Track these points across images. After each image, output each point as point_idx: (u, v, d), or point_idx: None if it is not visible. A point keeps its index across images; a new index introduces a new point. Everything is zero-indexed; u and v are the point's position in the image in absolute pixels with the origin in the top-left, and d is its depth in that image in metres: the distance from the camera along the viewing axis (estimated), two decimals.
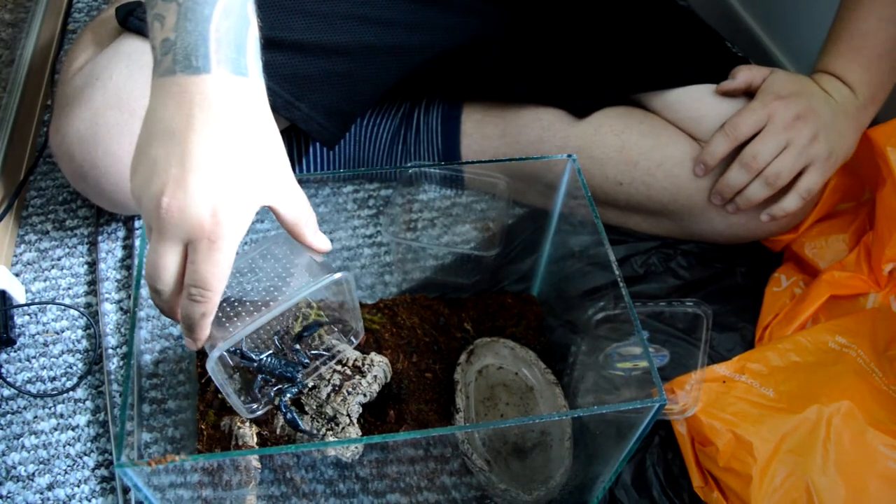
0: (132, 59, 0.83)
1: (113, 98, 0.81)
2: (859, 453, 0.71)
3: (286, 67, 0.84)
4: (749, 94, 0.88)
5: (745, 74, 0.87)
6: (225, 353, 0.69)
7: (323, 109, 0.87)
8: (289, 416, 0.70)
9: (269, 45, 0.83)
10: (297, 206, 0.59)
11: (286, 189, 0.58)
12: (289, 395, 0.71)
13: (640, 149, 0.90)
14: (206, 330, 0.58)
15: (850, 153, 0.86)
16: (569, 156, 0.74)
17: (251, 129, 0.55)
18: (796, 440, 0.72)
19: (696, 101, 0.89)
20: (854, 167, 0.90)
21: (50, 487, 0.76)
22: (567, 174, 0.75)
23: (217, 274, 0.54)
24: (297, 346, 0.74)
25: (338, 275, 0.64)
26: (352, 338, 0.77)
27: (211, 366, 0.63)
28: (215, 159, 0.53)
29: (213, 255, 0.53)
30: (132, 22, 0.84)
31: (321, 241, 0.62)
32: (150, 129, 0.54)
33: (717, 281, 0.94)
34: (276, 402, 0.71)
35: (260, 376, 0.74)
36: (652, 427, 0.62)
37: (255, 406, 0.71)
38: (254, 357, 0.74)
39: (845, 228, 0.90)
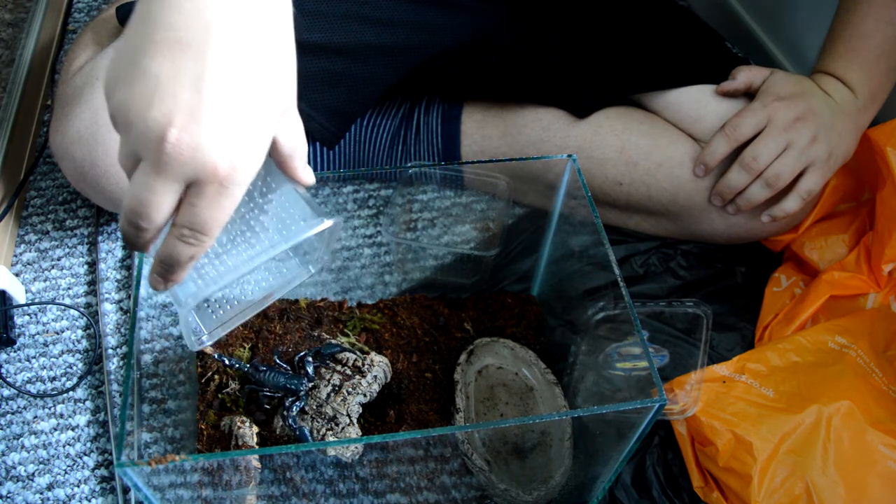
0: None
1: None
2: (859, 453, 0.71)
3: None
4: (749, 94, 0.88)
5: (745, 75, 0.87)
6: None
7: (323, 109, 0.87)
8: (298, 432, 0.70)
9: None
10: (297, 135, 0.52)
11: (293, 115, 0.51)
12: (295, 409, 0.71)
13: (640, 149, 0.90)
14: (185, 273, 0.51)
15: (850, 154, 0.86)
16: (569, 156, 0.74)
17: (276, 44, 0.47)
18: (796, 440, 0.72)
19: (696, 102, 0.89)
20: (854, 167, 0.90)
21: (50, 487, 0.76)
22: (567, 174, 0.75)
23: (220, 219, 0.47)
24: (310, 359, 0.74)
25: (329, 222, 0.56)
26: (309, 266, 0.66)
27: (185, 311, 0.55)
28: (238, 85, 0.44)
29: (221, 200, 0.46)
30: None
31: (308, 174, 0.55)
32: (147, 34, 0.43)
33: (717, 281, 0.94)
34: (285, 415, 0.71)
35: (264, 390, 0.74)
36: (652, 427, 0.62)
37: (203, 338, 0.64)
38: (258, 369, 0.74)
39: (845, 228, 0.90)
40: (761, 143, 0.83)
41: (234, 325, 0.63)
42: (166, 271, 0.49)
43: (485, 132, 0.97)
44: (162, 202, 0.45)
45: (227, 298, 0.64)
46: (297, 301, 0.87)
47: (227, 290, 0.63)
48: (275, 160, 0.53)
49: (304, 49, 0.91)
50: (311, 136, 0.88)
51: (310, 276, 0.66)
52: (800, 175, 0.83)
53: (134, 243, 0.49)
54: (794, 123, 0.82)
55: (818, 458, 0.71)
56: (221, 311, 0.64)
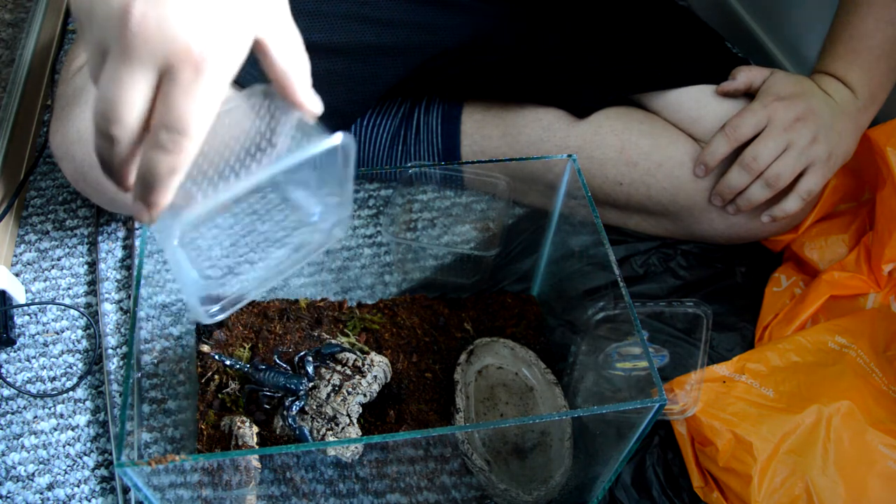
0: None
1: None
2: (859, 453, 0.71)
3: None
4: (749, 94, 0.88)
5: (745, 75, 0.87)
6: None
7: (323, 109, 0.87)
8: (298, 432, 0.70)
9: None
10: (294, 46, 0.47)
11: (284, 19, 0.46)
12: (295, 409, 0.71)
13: (640, 149, 0.90)
14: (169, 192, 0.44)
15: (850, 154, 0.86)
16: (569, 156, 0.74)
17: None
18: (796, 440, 0.72)
19: (696, 102, 0.90)
20: (854, 167, 0.91)
21: (50, 487, 0.76)
22: (567, 174, 0.76)
23: (198, 114, 0.41)
24: (310, 359, 0.74)
25: (338, 138, 0.50)
26: (336, 230, 0.59)
27: (173, 246, 0.47)
28: None
29: (198, 87, 0.41)
30: None
31: (313, 101, 0.50)
32: None
33: (717, 281, 0.94)
34: (285, 415, 0.71)
35: (263, 390, 0.74)
36: (652, 427, 0.62)
37: (214, 308, 0.57)
38: (258, 368, 0.74)
39: (845, 229, 0.90)
40: (761, 143, 0.83)
41: (247, 299, 0.57)
42: (146, 191, 0.43)
43: (485, 132, 0.98)
44: (132, 96, 0.41)
45: (239, 264, 0.60)
46: (297, 301, 0.87)
47: (237, 258, 0.58)
48: (273, 80, 0.48)
49: (305, 49, 0.91)
50: None
51: (332, 240, 0.59)
52: (800, 175, 0.83)
53: (109, 164, 0.44)
54: (794, 124, 0.82)
55: (818, 458, 0.71)
56: (232, 281, 0.58)
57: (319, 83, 0.87)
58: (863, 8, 0.84)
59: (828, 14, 0.88)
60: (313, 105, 0.50)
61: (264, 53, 0.46)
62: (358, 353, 0.77)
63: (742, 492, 0.71)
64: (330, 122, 0.96)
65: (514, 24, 0.96)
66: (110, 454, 0.79)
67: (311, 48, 0.87)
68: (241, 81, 0.50)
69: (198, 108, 0.41)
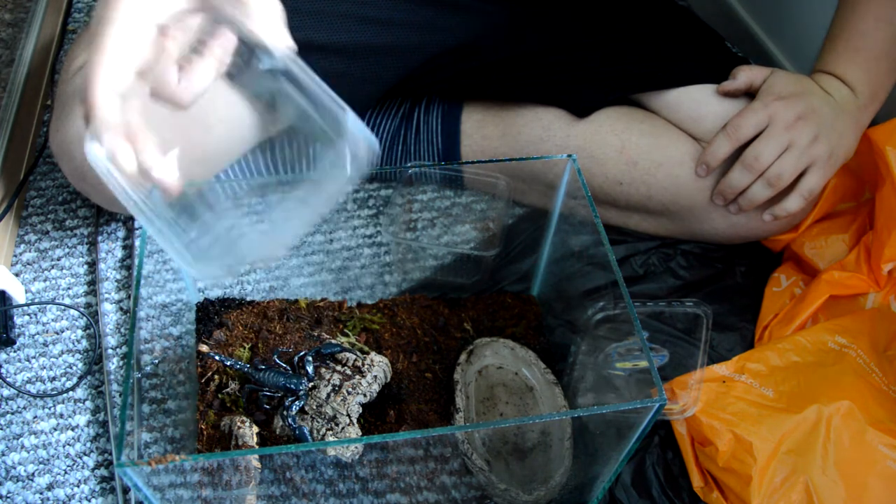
0: None
1: None
2: (859, 453, 0.71)
3: None
4: (750, 94, 0.88)
5: (745, 74, 0.87)
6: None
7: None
8: (298, 432, 0.70)
9: None
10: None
11: None
12: (295, 409, 0.71)
13: (641, 148, 0.90)
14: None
15: (851, 153, 0.86)
16: (569, 156, 0.74)
17: None
18: (796, 440, 0.72)
19: (697, 102, 0.89)
20: (854, 167, 0.91)
21: (50, 487, 0.76)
22: (567, 174, 0.76)
23: None
24: (310, 359, 0.74)
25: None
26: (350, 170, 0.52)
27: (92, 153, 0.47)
28: None
29: None
30: None
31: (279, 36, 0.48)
32: None
33: (717, 281, 0.94)
34: (285, 415, 0.71)
35: (263, 390, 0.74)
36: (652, 427, 0.62)
37: (219, 270, 0.55)
38: (258, 368, 0.74)
39: (845, 228, 0.90)
40: (763, 142, 0.83)
41: (248, 259, 0.55)
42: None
43: (485, 132, 0.98)
44: None
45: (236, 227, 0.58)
46: (296, 301, 0.87)
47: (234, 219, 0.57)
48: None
49: (304, 48, 0.91)
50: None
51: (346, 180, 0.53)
52: (801, 174, 0.83)
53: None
54: (795, 123, 0.82)
55: (818, 458, 0.71)
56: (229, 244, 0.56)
57: None
58: (862, 7, 0.84)
59: (828, 14, 0.88)
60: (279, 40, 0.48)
61: None
62: (358, 353, 0.77)
63: (742, 492, 0.71)
64: None
65: (514, 23, 0.96)
66: (110, 454, 0.79)
67: (311, 48, 0.87)
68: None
69: None
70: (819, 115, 0.82)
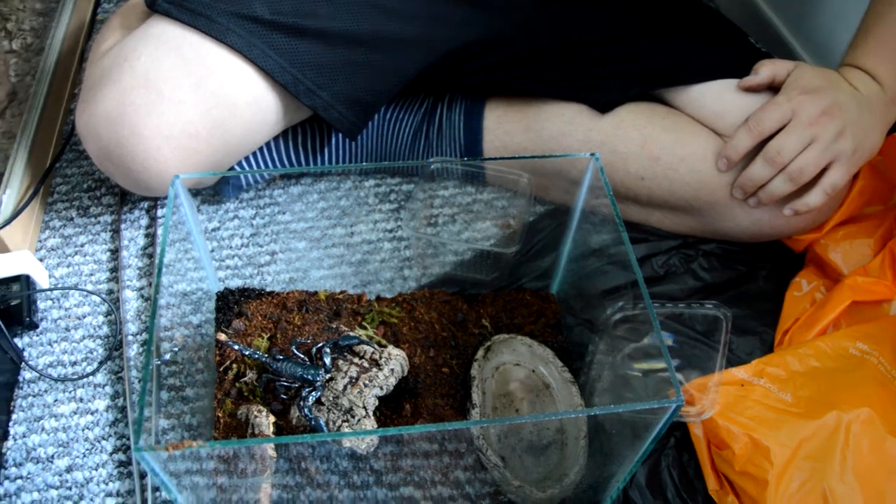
0: (161, 41, 0.83)
1: (141, 78, 0.82)
2: (878, 461, 0.71)
3: (309, 55, 0.84)
4: (773, 89, 0.87)
5: (768, 69, 0.86)
6: None
7: (344, 99, 0.88)
8: (314, 422, 0.70)
9: (294, 32, 0.84)
10: None
11: None
12: (311, 399, 0.72)
13: (663, 144, 0.89)
14: None
15: (876, 149, 0.84)
16: (592, 154, 0.74)
17: None
18: (814, 446, 0.72)
19: (719, 97, 0.89)
20: (882, 170, 0.89)
21: (68, 470, 0.77)
22: (590, 172, 0.75)
23: None
24: (327, 350, 0.75)
25: None
26: None
27: None
28: None
29: None
30: (160, 5, 0.85)
31: None
32: None
33: (738, 284, 0.93)
34: (301, 406, 0.72)
35: (280, 381, 0.75)
36: (668, 428, 0.62)
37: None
38: (276, 358, 0.75)
39: (871, 233, 0.89)
40: (786, 136, 0.81)
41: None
42: None
43: (507, 127, 0.97)
44: None
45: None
46: (316, 293, 0.87)
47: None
48: None
49: (328, 37, 0.91)
50: (332, 126, 0.89)
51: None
52: (824, 169, 0.82)
53: None
54: (819, 118, 0.81)
55: (836, 465, 0.70)
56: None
57: (341, 72, 0.88)
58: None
59: (852, 11, 0.87)
60: None
61: None
62: (375, 346, 0.77)
63: (758, 496, 0.71)
64: (351, 111, 0.97)
65: (536, 19, 0.95)
66: (128, 439, 0.79)
67: (335, 37, 0.87)
68: None
69: None
70: (844, 111, 0.81)
